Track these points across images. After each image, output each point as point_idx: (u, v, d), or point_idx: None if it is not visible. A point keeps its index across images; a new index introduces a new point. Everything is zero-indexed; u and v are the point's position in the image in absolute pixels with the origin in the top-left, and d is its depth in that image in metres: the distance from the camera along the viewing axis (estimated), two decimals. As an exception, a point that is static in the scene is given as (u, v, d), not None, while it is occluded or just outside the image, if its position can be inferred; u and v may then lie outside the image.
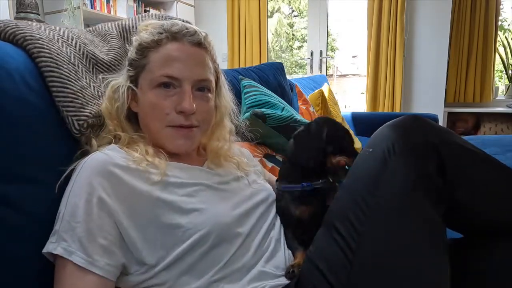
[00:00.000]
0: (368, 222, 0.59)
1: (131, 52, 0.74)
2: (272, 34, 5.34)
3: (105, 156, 0.64)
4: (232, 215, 0.68)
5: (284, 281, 0.67)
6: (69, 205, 0.59)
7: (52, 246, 0.57)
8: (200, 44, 0.73)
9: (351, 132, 2.03)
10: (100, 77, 0.80)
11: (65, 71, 0.72)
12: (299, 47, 5.63)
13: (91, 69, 0.80)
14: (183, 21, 0.96)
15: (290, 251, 0.75)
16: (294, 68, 5.13)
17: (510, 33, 3.56)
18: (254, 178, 0.83)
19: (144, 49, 0.71)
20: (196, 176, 0.71)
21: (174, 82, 0.69)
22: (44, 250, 0.58)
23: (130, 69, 0.73)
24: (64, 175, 0.64)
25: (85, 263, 0.55)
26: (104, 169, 0.61)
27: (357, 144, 2.04)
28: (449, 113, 3.35)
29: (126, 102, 0.72)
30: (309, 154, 0.82)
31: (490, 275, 0.64)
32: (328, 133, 0.82)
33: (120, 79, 0.75)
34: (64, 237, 0.57)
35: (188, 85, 0.69)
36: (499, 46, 3.31)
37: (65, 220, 0.58)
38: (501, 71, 3.70)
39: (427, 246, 0.57)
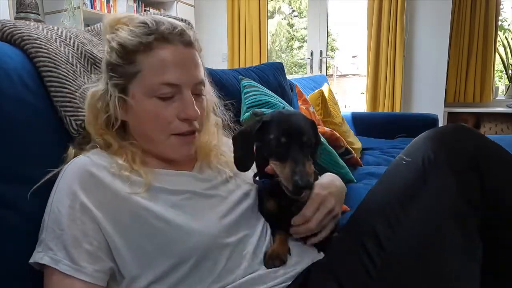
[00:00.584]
0: (396, 239, 0.56)
1: (110, 55, 0.66)
2: (272, 34, 5.34)
3: (87, 160, 0.63)
4: (219, 226, 0.65)
5: (284, 283, 0.64)
6: (52, 212, 0.58)
7: (38, 256, 0.56)
8: (191, 44, 0.69)
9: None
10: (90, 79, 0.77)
11: (63, 71, 0.71)
12: (299, 47, 5.62)
13: (89, 69, 0.80)
14: (184, 20, 0.94)
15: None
16: (294, 68, 5.12)
17: (510, 33, 3.56)
18: (245, 175, 0.79)
19: (130, 53, 0.65)
20: (183, 183, 0.68)
21: (173, 89, 0.65)
22: (31, 260, 0.57)
23: (115, 75, 0.66)
24: (45, 179, 0.62)
25: (72, 270, 0.55)
26: (86, 174, 0.61)
27: (357, 144, 2.04)
28: (449, 113, 3.34)
29: (118, 114, 0.67)
30: (241, 154, 0.73)
31: None
32: (260, 129, 0.70)
33: (101, 86, 0.68)
34: (50, 246, 0.56)
35: (188, 90, 0.66)
36: (499, 46, 3.31)
37: (49, 228, 0.57)
38: (501, 71, 3.69)
39: (462, 272, 0.54)
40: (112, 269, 0.60)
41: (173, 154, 0.70)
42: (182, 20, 0.95)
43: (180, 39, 0.67)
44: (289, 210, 0.70)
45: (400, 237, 0.56)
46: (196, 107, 0.66)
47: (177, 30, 0.67)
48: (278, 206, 0.73)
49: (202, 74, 0.70)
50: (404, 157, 0.64)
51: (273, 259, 0.66)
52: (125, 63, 0.65)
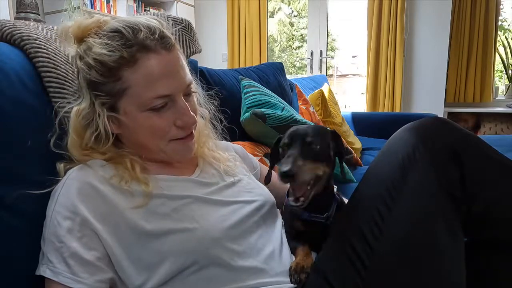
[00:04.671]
0: (383, 237, 0.56)
1: (88, 72, 0.62)
2: (272, 34, 5.34)
3: (88, 171, 0.62)
4: (221, 229, 0.64)
5: (283, 283, 0.64)
6: (52, 224, 0.58)
7: (42, 269, 0.57)
8: (173, 46, 0.65)
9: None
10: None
11: (62, 72, 0.71)
12: (299, 47, 5.62)
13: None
14: (184, 20, 0.93)
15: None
16: (294, 68, 5.12)
17: (510, 33, 3.56)
18: (247, 182, 0.79)
19: (113, 70, 0.61)
20: (184, 188, 0.68)
21: (166, 99, 0.64)
22: (37, 273, 0.57)
23: (101, 94, 0.63)
24: (42, 191, 0.61)
25: (73, 282, 0.55)
26: (86, 186, 0.60)
27: (357, 144, 2.04)
28: (449, 113, 3.35)
29: (111, 135, 0.64)
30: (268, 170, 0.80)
31: (492, 284, 0.62)
32: (276, 144, 0.76)
33: (84, 104, 0.65)
34: (50, 258, 0.56)
35: (180, 96, 0.65)
36: (499, 46, 3.31)
37: (49, 240, 0.57)
38: (501, 71, 3.69)
39: (447, 264, 0.54)
40: (113, 279, 0.60)
41: (176, 157, 0.70)
42: (185, 22, 0.94)
43: (162, 45, 0.63)
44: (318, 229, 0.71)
45: (387, 235, 0.56)
46: (192, 114, 0.66)
47: (157, 34, 0.63)
48: (306, 228, 0.72)
49: (190, 75, 0.69)
50: (384, 154, 0.64)
51: (299, 273, 0.63)
52: (110, 80, 0.62)
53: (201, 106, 0.80)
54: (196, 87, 0.77)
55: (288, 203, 0.72)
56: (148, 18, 0.66)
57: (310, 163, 0.66)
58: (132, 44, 0.61)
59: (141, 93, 0.62)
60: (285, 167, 0.63)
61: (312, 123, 1.34)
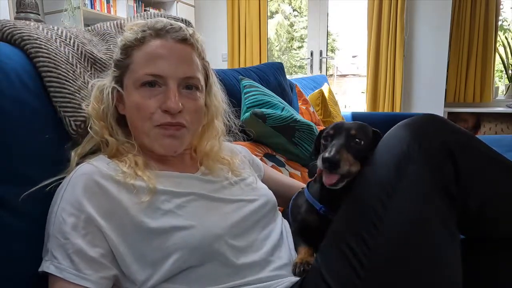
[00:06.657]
0: (380, 237, 0.56)
1: (116, 53, 0.71)
2: (272, 34, 5.34)
3: (92, 169, 0.63)
4: (224, 226, 0.65)
5: (282, 277, 0.65)
6: (57, 221, 0.58)
7: (45, 265, 0.57)
8: (186, 40, 0.70)
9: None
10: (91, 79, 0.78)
11: (63, 71, 0.71)
12: (299, 47, 5.62)
13: (89, 69, 0.80)
14: (184, 20, 0.94)
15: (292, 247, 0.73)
16: (294, 68, 5.12)
17: (510, 33, 3.56)
18: (250, 182, 0.80)
19: (128, 49, 0.69)
20: (187, 185, 0.68)
21: (158, 81, 0.66)
22: (40, 269, 0.58)
23: (115, 69, 0.71)
24: (43, 184, 0.62)
25: (77, 278, 0.55)
26: (91, 183, 0.61)
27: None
28: (449, 113, 3.34)
29: (111, 104, 0.69)
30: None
31: (488, 282, 0.62)
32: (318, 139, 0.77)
33: (105, 81, 0.72)
34: (55, 254, 0.57)
35: (174, 83, 0.67)
36: (499, 46, 3.31)
37: (54, 236, 0.58)
38: (501, 71, 3.69)
39: (444, 263, 0.54)
40: (116, 275, 0.60)
41: (157, 145, 0.69)
42: (185, 23, 0.96)
43: (172, 35, 0.69)
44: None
45: (384, 234, 0.56)
46: (178, 101, 0.66)
47: (171, 27, 0.69)
48: (319, 222, 0.73)
49: (195, 71, 0.70)
50: (380, 152, 0.65)
51: (303, 264, 0.66)
52: (124, 58, 0.70)
53: (223, 123, 0.83)
54: (220, 100, 0.81)
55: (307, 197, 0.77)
56: (180, 23, 0.72)
57: (351, 157, 0.67)
58: (148, 29, 0.69)
59: (138, 69, 0.67)
60: (329, 154, 0.64)
61: (312, 123, 1.33)
